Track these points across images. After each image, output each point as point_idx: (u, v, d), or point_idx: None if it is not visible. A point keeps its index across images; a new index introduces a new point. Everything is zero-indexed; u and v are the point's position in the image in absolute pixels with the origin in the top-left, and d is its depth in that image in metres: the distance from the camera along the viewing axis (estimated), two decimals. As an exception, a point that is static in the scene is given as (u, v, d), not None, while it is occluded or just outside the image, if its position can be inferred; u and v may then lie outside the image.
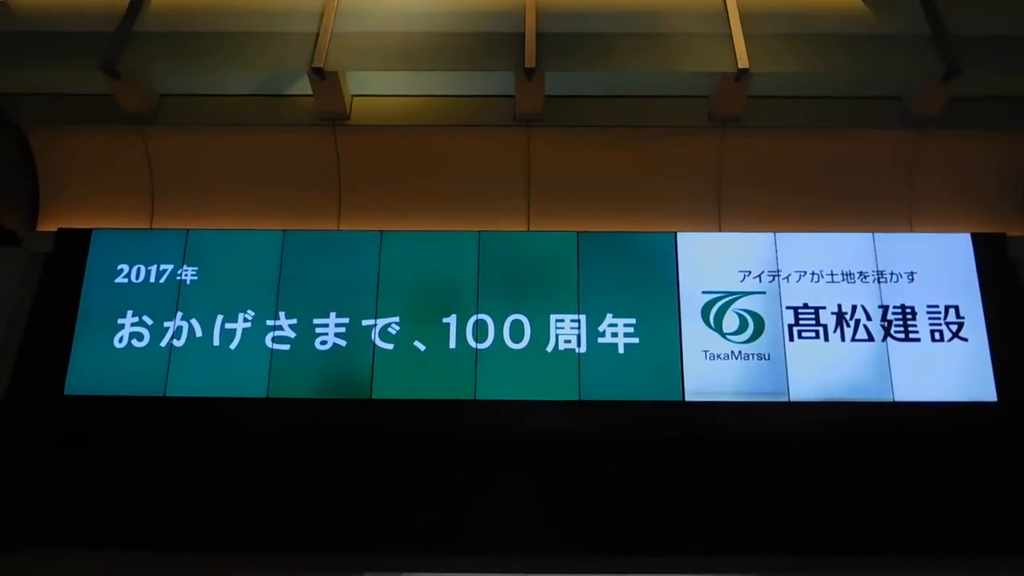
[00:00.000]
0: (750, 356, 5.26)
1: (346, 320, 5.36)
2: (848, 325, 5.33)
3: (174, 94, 5.89)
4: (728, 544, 4.87)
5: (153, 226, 5.79)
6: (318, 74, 5.39)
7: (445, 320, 5.36)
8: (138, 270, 5.48)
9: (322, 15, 5.64)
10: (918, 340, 5.29)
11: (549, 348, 5.28)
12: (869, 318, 5.34)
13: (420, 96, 5.87)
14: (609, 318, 5.35)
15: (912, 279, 5.44)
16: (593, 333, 5.31)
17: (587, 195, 5.80)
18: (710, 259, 5.49)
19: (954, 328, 5.31)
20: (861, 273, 5.45)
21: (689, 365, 5.23)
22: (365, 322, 5.35)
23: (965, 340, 5.29)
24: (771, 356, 5.26)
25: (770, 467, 5.04)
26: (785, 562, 4.90)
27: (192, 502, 4.98)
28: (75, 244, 5.56)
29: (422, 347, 5.30)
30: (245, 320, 5.36)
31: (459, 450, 5.09)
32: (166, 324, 5.34)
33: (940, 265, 5.46)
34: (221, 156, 5.83)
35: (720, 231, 5.74)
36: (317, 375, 5.26)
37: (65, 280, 5.47)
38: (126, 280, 5.46)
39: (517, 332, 5.32)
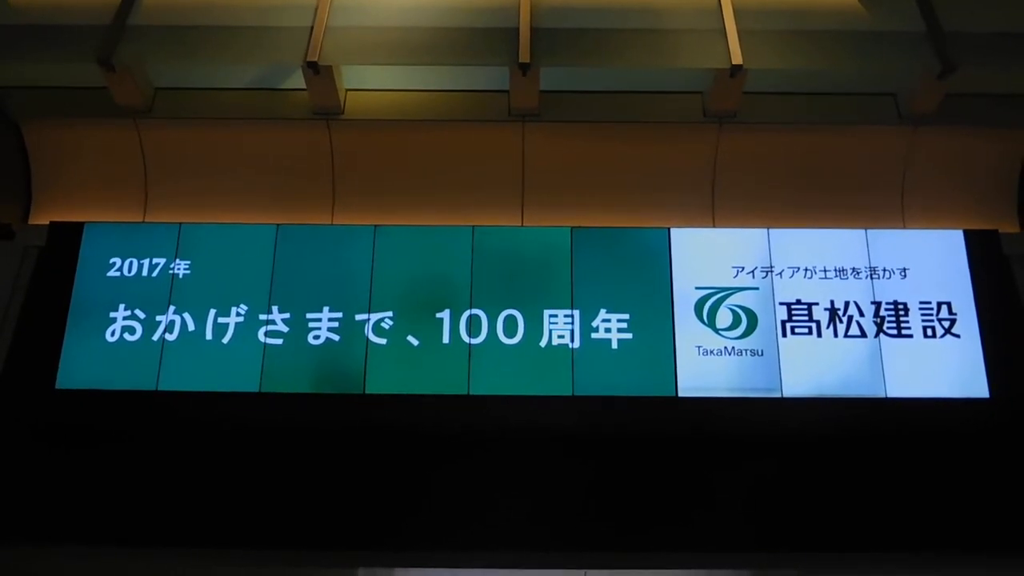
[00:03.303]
0: (743, 352, 5.26)
1: (339, 314, 5.35)
2: (841, 321, 5.33)
3: (168, 87, 5.87)
4: (720, 540, 4.87)
5: (146, 219, 5.78)
6: (312, 68, 5.39)
7: (439, 315, 5.35)
8: (131, 264, 5.46)
9: (316, 9, 5.64)
10: (911, 336, 5.30)
11: (543, 343, 5.28)
12: (862, 314, 5.35)
13: (414, 91, 5.87)
14: (603, 313, 5.35)
15: (905, 275, 5.44)
16: (587, 328, 5.31)
17: (581, 190, 5.80)
18: (704, 255, 5.49)
19: (947, 324, 5.32)
20: (854, 269, 5.46)
21: (682, 361, 5.24)
22: (358, 317, 5.34)
23: (957, 336, 5.29)
24: (764, 352, 5.26)
25: (763, 463, 5.05)
26: (777, 558, 4.91)
27: (184, 496, 4.96)
28: (67, 237, 5.54)
29: (415, 342, 5.29)
30: (238, 314, 5.35)
31: (452, 445, 5.08)
32: (158, 318, 5.33)
33: (933, 261, 5.47)
34: (215, 150, 5.82)
35: (714, 227, 5.75)
36: (310, 369, 5.25)
37: (57, 273, 5.45)
38: (118, 274, 5.44)
39: (511, 327, 5.31)
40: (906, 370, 5.21)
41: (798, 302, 5.38)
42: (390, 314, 5.35)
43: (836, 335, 5.30)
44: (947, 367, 5.23)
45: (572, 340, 5.28)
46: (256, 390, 5.17)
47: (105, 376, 5.21)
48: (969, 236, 5.52)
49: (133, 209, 5.80)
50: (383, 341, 5.29)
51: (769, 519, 4.91)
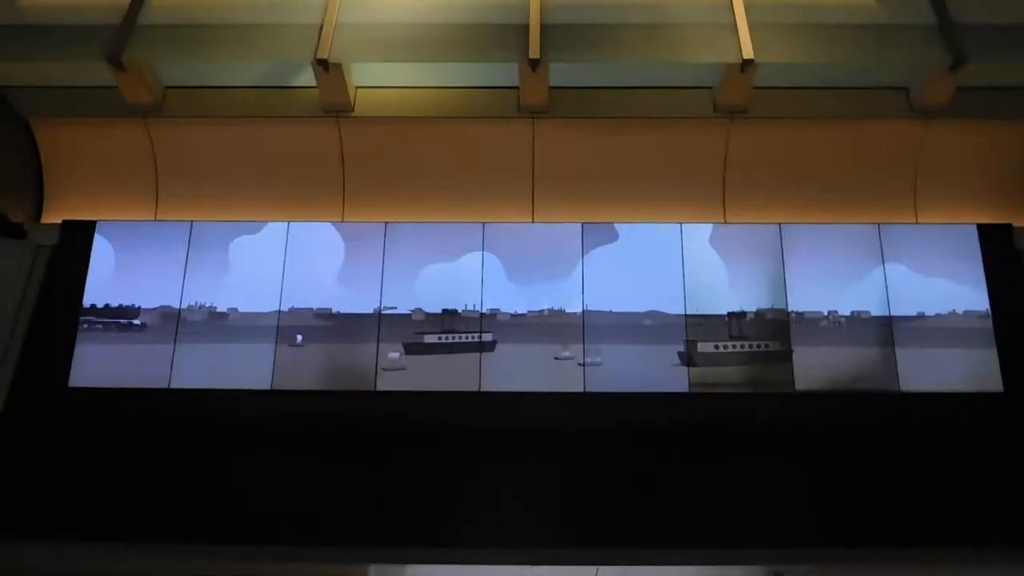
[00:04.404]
0: (756, 347, 5.24)
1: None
2: (854, 316, 5.30)
3: (179, 86, 5.88)
4: (733, 534, 4.87)
5: (157, 218, 5.80)
6: (322, 66, 5.39)
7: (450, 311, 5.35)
8: (143, 261, 5.47)
9: (326, 7, 5.63)
10: (924, 331, 5.26)
11: (554, 339, 5.27)
12: (876, 309, 5.32)
13: (424, 87, 5.86)
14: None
15: (918, 270, 5.41)
16: (598, 324, 5.30)
17: (592, 186, 5.79)
18: (714, 249, 5.47)
19: (960, 319, 5.29)
20: (867, 264, 5.42)
21: (696, 356, 5.22)
22: (370, 313, 5.35)
23: (972, 331, 5.26)
24: (777, 347, 5.24)
25: (775, 457, 5.03)
26: (791, 553, 4.89)
27: (196, 493, 4.98)
28: (80, 235, 5.57)
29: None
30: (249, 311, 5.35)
31: (464, 441, 5.09)
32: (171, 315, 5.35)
33: (946, 256, 5.44)
34: (225, 148, 5.83)
35: (725, 222, 5.73)
36: (322, 367, 5.25)
37: (70, 272, 5.48)
38: (131, 271, 5.45)
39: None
40: (920, 365, 5.19)
41: (811, 298, 5.35)
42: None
43: (849, 330, 5.27)
44: (961, 361, 5.20)
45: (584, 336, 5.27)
46: (268, 387, 5.18)
47: (117, 374, 5.22)
48: (983, 230, 5.50)
49: (144, 207, 5.82)
50: (394, 338, 5.30)
51: (781, 514, 4.90)
